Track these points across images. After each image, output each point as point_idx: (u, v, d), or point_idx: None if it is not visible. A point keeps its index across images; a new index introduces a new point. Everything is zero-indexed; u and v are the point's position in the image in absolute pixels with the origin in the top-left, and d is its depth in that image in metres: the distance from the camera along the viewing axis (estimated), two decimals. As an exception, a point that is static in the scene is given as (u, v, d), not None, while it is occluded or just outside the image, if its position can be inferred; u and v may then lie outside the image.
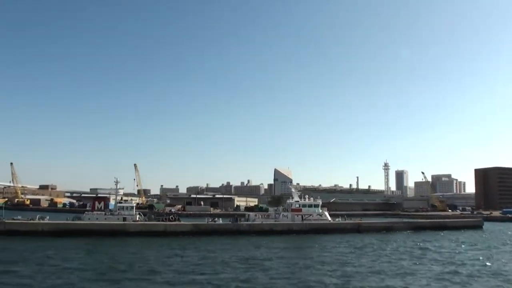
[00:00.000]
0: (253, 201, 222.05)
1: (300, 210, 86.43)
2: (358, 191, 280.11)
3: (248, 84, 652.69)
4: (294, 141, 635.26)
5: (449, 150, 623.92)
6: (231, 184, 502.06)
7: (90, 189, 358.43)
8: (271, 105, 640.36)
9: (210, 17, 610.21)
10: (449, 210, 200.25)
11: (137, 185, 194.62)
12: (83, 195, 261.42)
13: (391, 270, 38.07)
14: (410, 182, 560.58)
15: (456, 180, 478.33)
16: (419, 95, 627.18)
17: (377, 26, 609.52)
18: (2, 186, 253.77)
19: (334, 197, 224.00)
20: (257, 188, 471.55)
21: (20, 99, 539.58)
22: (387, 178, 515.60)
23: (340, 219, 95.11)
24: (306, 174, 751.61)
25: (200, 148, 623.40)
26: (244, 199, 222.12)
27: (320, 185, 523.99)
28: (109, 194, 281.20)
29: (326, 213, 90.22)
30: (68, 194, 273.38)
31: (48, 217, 72.32)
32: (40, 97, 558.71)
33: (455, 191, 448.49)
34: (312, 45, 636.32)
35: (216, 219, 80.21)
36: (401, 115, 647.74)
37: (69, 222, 67.91)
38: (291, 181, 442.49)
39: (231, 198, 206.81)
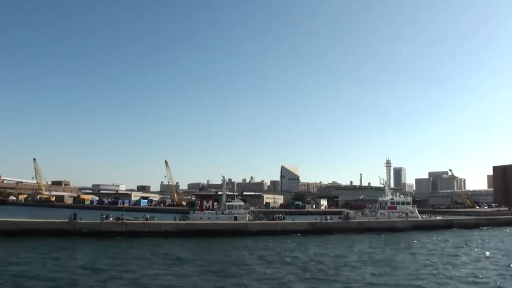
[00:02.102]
0: (279, 198, 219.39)
1: (395, 208, 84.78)
2: (381, 188, 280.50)
3: (248, 83, 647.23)
4: (294, 139, 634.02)
5: (446, 148, 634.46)
6: (233, 181, 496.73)
7: (92, 185, 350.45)
8: (272, 103, 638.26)
9: (214, 16, 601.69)
10: (477, 207, 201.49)
11: (168, 182, 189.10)
12: (101, 191, 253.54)
13: None
14: (408, 179, 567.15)
15: (457, 177, 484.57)
16: (416, 93, 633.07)
17: (377, 24, 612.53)
18: (15, 182, 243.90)
19: (362, 195, 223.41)
20: (260, 184, 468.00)
21: (17, 98, 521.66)
22: (389, 176, 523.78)
23: (426, 216, 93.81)
24: (306, 171, 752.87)
25: (200, 145, 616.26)
26: (271, 196, 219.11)
27: (320, 181, 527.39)
28: (129, 191, 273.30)
29: (416, 210, 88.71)
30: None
31: (155, 217, 67.99)
32: (36, 98, 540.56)
33: (455, 188, 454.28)
34: (313, 44, 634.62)
35: (328, 217, 77.34)
36: (399, 113, 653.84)
37: (192, 222, 63.76)
38: (298, 178, 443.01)
39: (260, 195, 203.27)
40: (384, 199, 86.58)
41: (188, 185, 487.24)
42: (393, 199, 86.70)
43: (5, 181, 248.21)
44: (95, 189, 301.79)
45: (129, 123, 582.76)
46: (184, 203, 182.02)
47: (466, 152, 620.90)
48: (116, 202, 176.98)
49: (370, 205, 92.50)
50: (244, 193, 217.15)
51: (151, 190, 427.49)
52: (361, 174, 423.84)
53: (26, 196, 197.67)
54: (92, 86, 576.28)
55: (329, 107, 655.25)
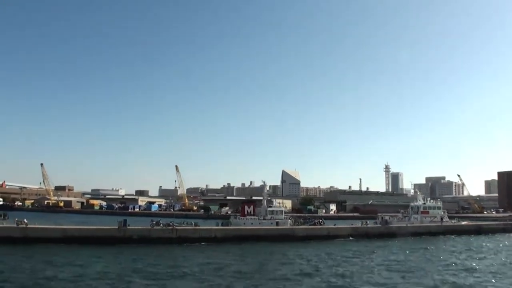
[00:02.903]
0: (287, 203, 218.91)
1: (428, 212, 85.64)
2: (386, 193, 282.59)
3: (248, 83, 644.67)
4: (292, 140, 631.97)
5: (443, 153, 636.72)
6: (232, 185, 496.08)
7: (92, 190, 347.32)
8: (270, 106, 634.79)
9: (214, 16, 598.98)
10: (485, 212, 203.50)
11: (178, 187, 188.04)
12: (107, 196, 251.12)
13: None
14: (405, 184, 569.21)
15: (456, 182, 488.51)
16: (416, 94, 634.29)
17: (376, 26, 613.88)
18: (18, 187, 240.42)
19: (369, 200, 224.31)
20: (259, 189, 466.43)
21: (16, 99, 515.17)
22: (388, 180, 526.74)
23: (455, 220, 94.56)
24: (305, 175, 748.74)
25: (199, 146, 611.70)
26: (280, 201, 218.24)
27: (319, 186, 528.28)
28: (133, 196, 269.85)
29: (446, 215, 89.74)
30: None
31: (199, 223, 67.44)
32: (36, 99, 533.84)
33: (454, 193, 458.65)
34: (313, 44, 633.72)
35: (368, 222, 77.44)
36: (399, 115, 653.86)
37: (239, 228, 63.41)
38: (299, 183, 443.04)
39: (270, 200, 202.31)
40: (416, 204, 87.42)
41: (187, 189, 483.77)
42: (425, 204, 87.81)
43: (8, 186, 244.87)
44: (96, 194, 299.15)
45: (128, 124, 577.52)
46: (195, 207, 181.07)
47: (463, 157, 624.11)
48: (127, 207, 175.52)
49: (402, 210, 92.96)
50: (254, 197, 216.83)
51: (149, 194, 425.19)
52: (360, 179, 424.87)
53: (32, 201, 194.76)
54: (91, 86, 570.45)
55: (328, 108, 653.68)
